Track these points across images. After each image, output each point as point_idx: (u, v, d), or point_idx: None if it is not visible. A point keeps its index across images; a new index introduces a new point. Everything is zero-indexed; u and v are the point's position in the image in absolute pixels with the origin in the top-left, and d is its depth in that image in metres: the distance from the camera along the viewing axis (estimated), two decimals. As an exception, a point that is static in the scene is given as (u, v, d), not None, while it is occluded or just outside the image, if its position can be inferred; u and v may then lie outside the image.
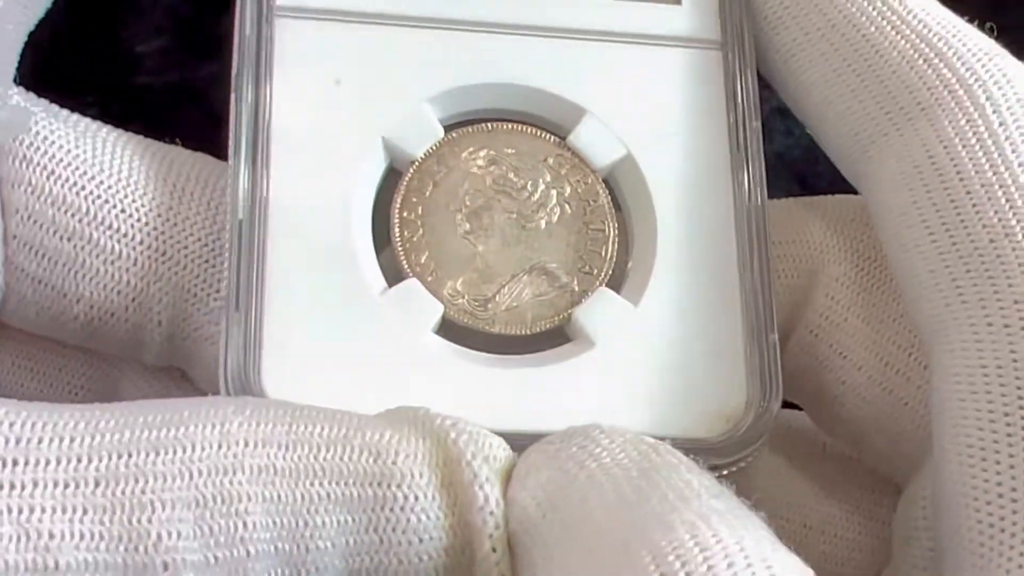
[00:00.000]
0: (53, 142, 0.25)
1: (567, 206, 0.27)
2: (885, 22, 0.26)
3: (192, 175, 0.26)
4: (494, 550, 0.21)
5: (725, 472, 0.25)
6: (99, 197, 0.25)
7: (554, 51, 0.27)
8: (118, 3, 0.39)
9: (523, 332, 0.26)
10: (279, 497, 0.20)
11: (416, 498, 0.21)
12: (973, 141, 0.24)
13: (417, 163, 0.26)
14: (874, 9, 0.26)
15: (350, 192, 0.26)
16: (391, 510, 0.21)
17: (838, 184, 0.28)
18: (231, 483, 0.20)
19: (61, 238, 0.25)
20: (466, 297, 0.26)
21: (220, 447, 0.20)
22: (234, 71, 0.25)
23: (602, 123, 0.27)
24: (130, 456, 0.20)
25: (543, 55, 0.27)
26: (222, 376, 0.24)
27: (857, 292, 0.27)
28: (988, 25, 0.26)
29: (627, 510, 0.20)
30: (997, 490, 0.22)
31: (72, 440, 0.20)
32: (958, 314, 0.23)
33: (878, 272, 0.28)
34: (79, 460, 0.20)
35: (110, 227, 0.25)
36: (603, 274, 0.26)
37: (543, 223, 0.26)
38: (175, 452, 0.20)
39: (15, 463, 0.20)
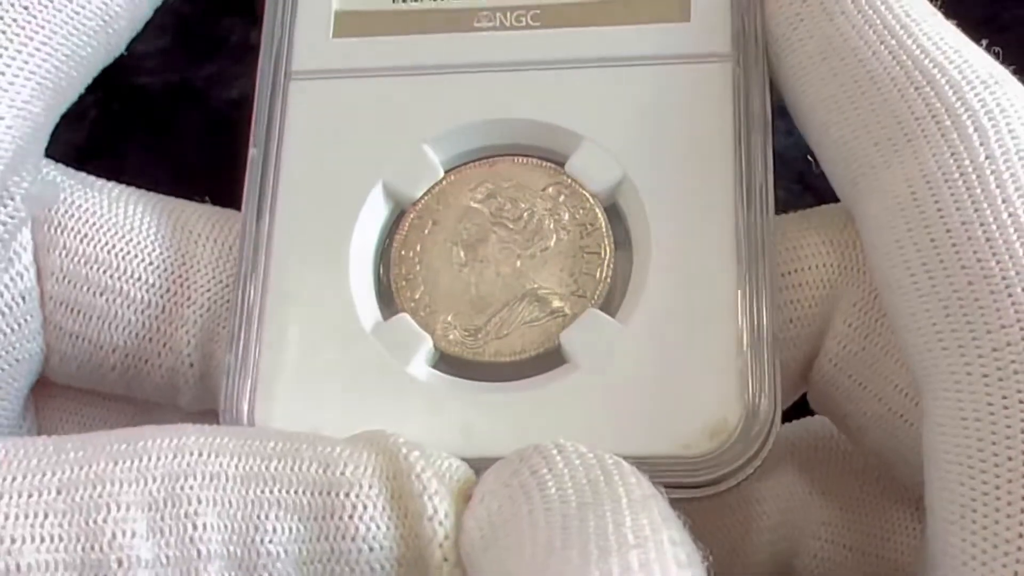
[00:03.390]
0: (86, 208, 0.27)
1: (564, 232, 0.27)
2: (883, 47, 0.25)
3: (205, 228, 0.27)
4: (446, 559, 0.21)
5: (720, 488, 0.25)
6: (128, 253, 0.27)
7: (552, 82, 0.27)
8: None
9: (513, 359, 0.26)
10: (230, 502, 0.21)
11: (364, 507, 0.21)
12: (956, 176, 0.23)
13: (419, 204, 0.27)
14: (874, 33, 0.25)
15: (350, 232, 0.26)
16: (340, 518, 0.21)
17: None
18: (183, 488, 0.21)
19: (94, 294, 0.27)
20: (458, 328, 0.26)
21: (175, 456, 0.21)
22: (253, 136, 0.27)
23: (600, 148, 0.27)
24: (90, 466, 0.21)
25: (541, 88, 0.27)
26: (220, 411, 0.25)
27: (875, 319, 0.26)
28: (995, 50, 0.25)
29: (548, 560, 0.19)
30: (971, 551, 0.21)
31: (40, 459, 0.21)
32: (939, 361, 0.22)
33: None
34: (43, 474, 0.21)
35: (139, 279, 0.27)
36: (596, 296, 0.26)
37: (539, 251, 0.27)
38: (132, 462, 0.21)
39: None
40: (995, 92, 0.24)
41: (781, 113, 0.28)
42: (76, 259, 0.27)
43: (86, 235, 0.27)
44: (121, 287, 0.27)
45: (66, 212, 0.27)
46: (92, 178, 0.28)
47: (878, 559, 0.29)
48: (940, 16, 0.26)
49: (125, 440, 0.21)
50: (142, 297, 0.27)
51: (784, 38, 0.27)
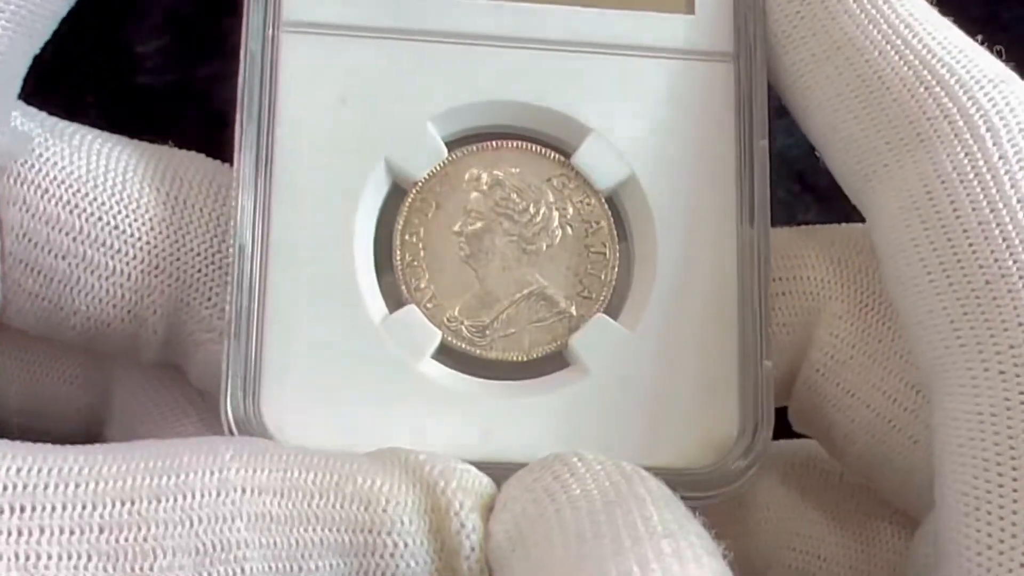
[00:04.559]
0: (48, 159, 0.26)
1: (568, 228, 0.27)
2: (889, 46, 0.25)
3: (191, 182, 0.26)
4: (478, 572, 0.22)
5: (716, 499, 0.25)
6: (92, 215, 0.26)
7: (559, 66, 0.27)
8: (118, 3, 0.39)
9: (520, 358, 0.26)
10: (275, 543, 0.21)
11: (405, 544, 0.22)
12: (971, 176, 0.23)
13: (420, 184, 0.26)
14: (879, 32, 0.25)
15: (353, 216, 0.26)
16: (381, 556, 0.22)
17: (838, 184, 0.28)
18: (230, 530, 0.21)
19: (56, 256, 0.26)
20: (465, 323, 0.26)
21: (219, 494, 0.21)
22: (240, 88, 0.25)
23: (607, 142, 0.27)
24: (132, 504, 0.21)
25: (548, 71, 0.27)
26: (223, 405, 0.24)
27: (861, 329, 0.27)
28: (996, 48, 0.26)
29: (582, 548, 0.20)
30: (987, 541, 0.22)
31: (77, 486, 0.21)
32: (956, 357, 0.23)
33: (882, 307, 0.27)
34: (83, 507, 0.20)
35: (103, 244, 0.26)
36: (602, 299, 0.26)
37: (544, 246, 0.26)
38: (175, 500, 0.21)
39: (22, 509, 0.20)
40: (1003, 91, 0.24)
41: (781, 113, 0.28)
42: (37, 217, 0.26)
43: (47, 190, 0.26)
44: (84, 252, 0.26)
45: (26, 163, 0.26)
46: (56, 122, 0.27)
47: (851, 571, 0.29)
48: (939, 15, 0.26)
49: (165, 471, 0.21)
50: (106, 264, 0.26)
51: (785, 36, 0.27)
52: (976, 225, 0.23)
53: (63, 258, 0.26)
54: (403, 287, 0.26)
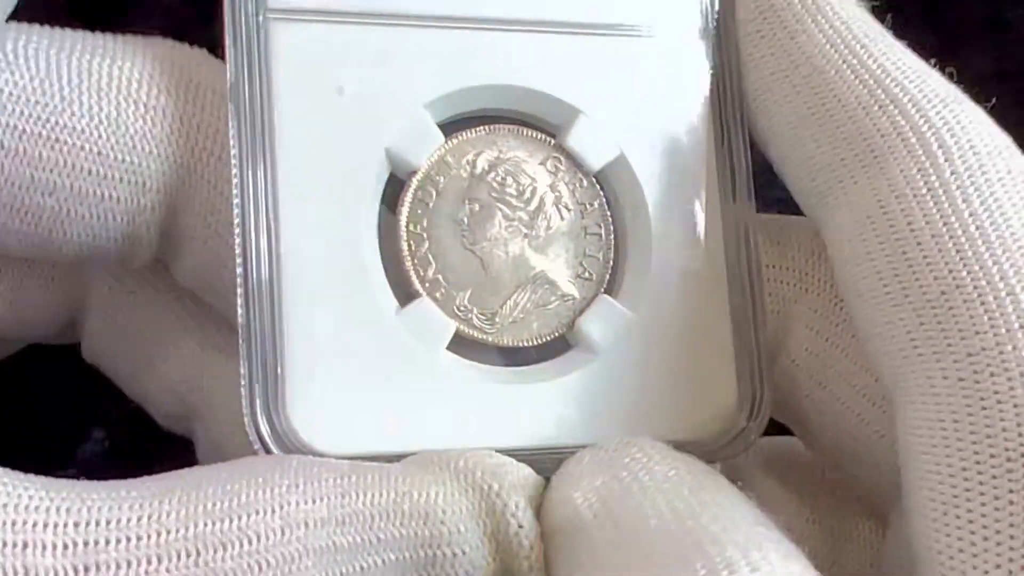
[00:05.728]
0: (18, 97, 0.25)
1: (565, 210, 0.27)
2: (845, 66, 0.26)
3: (151, 96, 0.25)
4: (531, 568, 0.23)
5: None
6: (73, 145, 0.25)
7: (546, 47, 0.27)
8: (118, 3, 0.39)
9: (530, 343, 0.26)
10: (341, 573, 0.21)
11: (464, 552, 0.22)
12: (924, 191, 0.24)
13: (420, 173, 0.26)
14: (836, 52, 0.26)
15: (359, 210, 0.25)
16: (441, 567, 0.22)
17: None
18: (298, 570, 0.21)
19: (43, 194, 0.25)
20: (474, 312, 0.26)
21: (283, 533, 0.21)
22: (229, 79, 0.25)
23: (595, 123, 0.27)
24: (199, 554, 0.20)
25: (537, 53, 0.27)
26: (249, 419, 0.24)
27: (836, 324, 0.27)
28: (948, 70, 0.26)
29: (681, 524, 0.21)
30: (959, 545, 0.22)
31: (139, 539, 0.20)
32: (915, 366, 0.23)
33: None
34: (148, 561, 0.20)
35: (89, 173, 0.25)
36: (602, 279, 0.27)
37: (543, 229, 0.27)
38: (241, 545, 0.21)
39: (86, 570, 0.20)
40: (955, 110, 0.25)
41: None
42: (18, 160, 0.25)
43: (24, 131, 0.25)
44: (71, 185, 0.25)
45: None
46: (25, 29, 0.25)
47: (829, 564, 0.29)
48: (893, 39, 0.27)
49: (226, 514, 0.21)
50: (94, 192, 0.25)
51: (747, 55, 0.27)
52: (930, 237, 0.24)
53: (51, 195, 0.25)
54: (413, 278, 0.26)
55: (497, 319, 0.26)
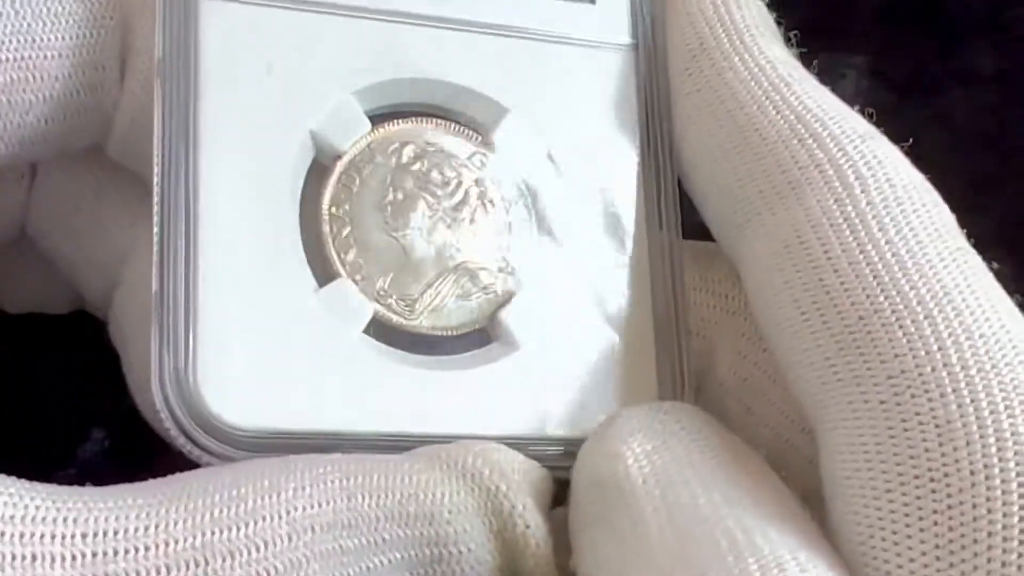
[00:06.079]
0: None
1: (489, 204, 0.27)
2: (768, 101, 0.26)
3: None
4: (536, 565, 0.23)
5: None
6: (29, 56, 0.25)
7: (479, 47, 0.27)
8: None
9: (449, 333, 0.26)
10: (347, 574, 0.22)
11: (469, 549, 0.22)
12: (840, 220, 0.24)
13: (344, 157, 0.26)
14: (760, 89, 0.26)
15: (279, 188, 0.25)
16: (447, 564, 0.22)
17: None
18: (305, 575, 0.21)
19: None
20: (394, 297, 0.26)
21: (290, 539, 0.21)
22: (158, 54, 0.25)
23: (522, 122, 0.27)
24: (207, 563, 0.21)
25: (469, 51, 0.27)
26: (155, 379, 0.24)
27: (762, 349, 0.27)
28: (868, 111, 0.27)
29: (732, 511, 0.21)
30: (886, 568, 0.22)
31: (147, 549, 0.20)
32: (835, 392, 0.24)
33: None
34: (157, 572, 0.20)
35: (13, 83, 0.25)
36: (523, 274, 0.27)
37: (467, 222, 0.27)
38: (249, 553, 0.21)
39: None
40: (871, 145, 0.26)
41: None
42: None
43: None
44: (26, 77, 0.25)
45: None
46: None
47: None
48: (817, 81, 0.27)
49: (233, 521, 0.21)
50: (22, 100, 0.25)
51: (676, 90, 0.28)
52: (847, 266, 0.24)
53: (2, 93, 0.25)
54: (334, 261, 0.26)
55: (417, 306, 0.26)
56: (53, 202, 0.29)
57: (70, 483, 0.22)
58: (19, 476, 0.22)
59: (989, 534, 0.21)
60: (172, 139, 0.24)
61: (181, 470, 0.23)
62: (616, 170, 0.28)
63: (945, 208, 0.25)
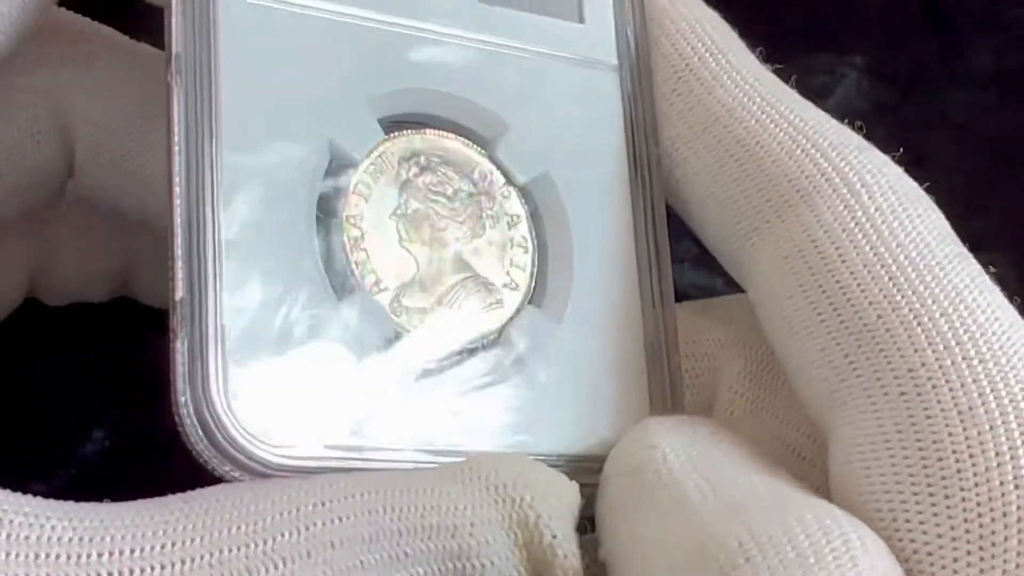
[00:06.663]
0: None
1: (492, 220, 0.27)
2: (765, 116, 0.27)
3: None
4: None
5: None
6: None
7: (485, 63, 0.28)
8: (119, 2, 0.39)
9: (458, 347, 0.26)
10: None
11: (492, 563, 0.22)
12: (852, 224, 0.25)
13: (359, 167, 0.26)
14: (754, 104, 0.27)
15: (300, 198, 0.25)
16: None
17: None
18: None
19: None
20: (408, 310, 0.26)
21: (309, 555, 0.21)
22: (174, 51, 0.24)
23: (525, 138, 0.28)
24: None
25: (476, 66, 0.28)
26: (181, 393, 0.23)
27: (759, 385, 0.28)
28: (857, 124, 0.27)
29: (783, 495, 0.22)
30: (912, 547, 0.23)
31: (164, 568, 0.20)
32: (854, 387, 0.24)
33: (775, 364, 0.28)
34: None
35: None
36: (528, 290, 0.27)
37: (473, 235, 0.27)
38: (267, 570, 0.21)
39: None
40: (868, 156, 0.26)
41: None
42: None
43: None
44: None
45: None
46: None
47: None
48: (802, 98, 0.28)
49: (250, 538, 0.21)
50: None
51: (662, 113, 0.28)
52: (862, 267, 0.25)
53: None
54: (352, 272, 0.26)
55: (428, 319, 0.26)
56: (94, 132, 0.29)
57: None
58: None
59: (1018, 507, 0.22)
60: (195, 138, 0.24)
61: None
62: (605, 188, 0.28)
63: (941, 214, 0.26)
